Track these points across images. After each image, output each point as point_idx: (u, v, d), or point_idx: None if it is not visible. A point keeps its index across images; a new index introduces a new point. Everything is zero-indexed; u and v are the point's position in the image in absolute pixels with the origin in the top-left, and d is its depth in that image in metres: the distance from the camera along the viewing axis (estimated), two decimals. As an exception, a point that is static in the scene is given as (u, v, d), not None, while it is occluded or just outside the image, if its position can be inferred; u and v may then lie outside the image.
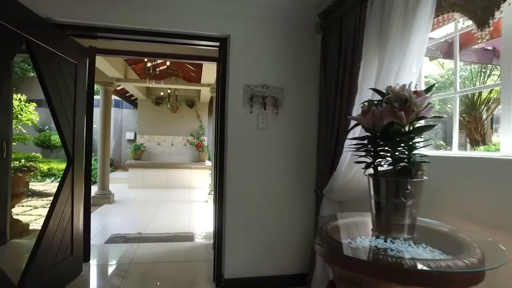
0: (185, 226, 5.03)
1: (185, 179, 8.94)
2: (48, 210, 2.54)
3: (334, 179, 2.38)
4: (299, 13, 2.83)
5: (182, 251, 3.80)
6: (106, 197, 6.55)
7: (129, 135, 12.43)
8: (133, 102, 11.48)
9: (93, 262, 3.33)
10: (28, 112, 5.12)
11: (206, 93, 8.48)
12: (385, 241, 1.26)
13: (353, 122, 1.40)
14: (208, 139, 10.15)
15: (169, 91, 8.48)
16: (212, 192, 7.20)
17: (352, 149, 1.43)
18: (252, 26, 2.75)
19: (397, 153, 1.24)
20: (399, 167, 1.22)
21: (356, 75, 2.17)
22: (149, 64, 5.70)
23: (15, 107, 4.74)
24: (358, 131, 1.99)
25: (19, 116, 4.90)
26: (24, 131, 6.13)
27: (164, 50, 3.67)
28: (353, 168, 2.11)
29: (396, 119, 1.15)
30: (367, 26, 2.12)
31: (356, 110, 2.14)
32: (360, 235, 1.36)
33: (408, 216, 1.22)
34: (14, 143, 5.87)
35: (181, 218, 5.53)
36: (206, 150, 9.73)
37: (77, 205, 2.89)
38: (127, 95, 10.48)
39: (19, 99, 4.99)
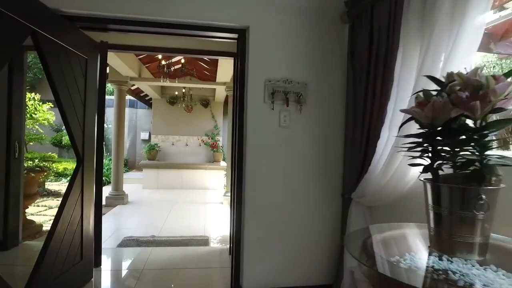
0: (200, 229, 4.86)
1: (199, 179, 8.79)
2: (56, 214, 2.39)
3: (365, 183, 2.14)
4: (323, 1, 2.60)
5: (197, 257, 3.62)
6: (120, 198, 6.45)
7: (144, 135, 12.39)
8: (147, 102, 11.44)
9: (104, 268, 3.17)
10: (42, 112, 5.03)
11: (221, 92, 8.31)
12: (440, 259, 1.03)
13: (405, 116, 1.16)
14: (223, 139, 9.99)
15: (183, 90, 8.35)
16: (228, 194, 7.02)
17: (403, 149, 1.19)
18: (273, 16, 2.53)
19: (462, 153, 1.00)
20: (468, 171, 0.98)
21: (392, 66, 1.93)
22: (163, 62, 5.55)
23: (29, 106, 4.65)
24: (395, 129, 1.76)
25: (34, 115, 4.81)
26: (41, 131, 6.08)
27: (179, 45, 3.49)
28: (389, 171, 1.87)
29: (468, 111, 0.91)
30: (406, 11, 1.88)
31: (393, 105, 1.90)
32: (408, 251, 1.13)
33: (480, 232, 0.98)
34: (31, 143, 5.83)
35: (196, 220, 5.36)
36: (221, 151, 9.56)
37: (87, 207, 2.74)
38: (142, 95, 10.43)
39: (33, 98, 4.91)
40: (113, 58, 5.46)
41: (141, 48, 3.46)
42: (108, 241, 4.09)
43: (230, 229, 3.63)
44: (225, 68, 5.88)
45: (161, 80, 5.87)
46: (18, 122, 3.68)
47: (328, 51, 2.60)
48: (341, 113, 2.60)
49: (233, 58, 3.63)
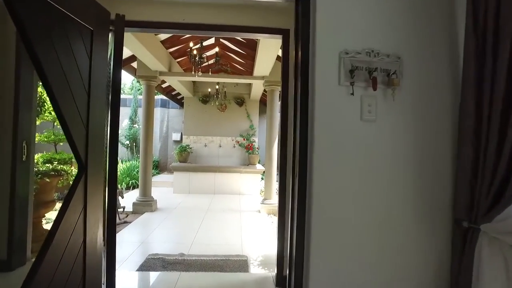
0: (236, 244, 4.12)
1: (234, 184, 8.10)
2: (45, 240, 1.72)
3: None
4: None
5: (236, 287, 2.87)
6: (148, 204, 5.88)
7: (176, 136, 11.94)
8: (179, 101, 10.96)
9: (118, 303, 2.50)
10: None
11: (258, 89, 7.57)
12: None
13: None
14: (259, 140, 9.25)
15: (217, 86, 7.69)
16: (267, 201, 6.31)
17: None
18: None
19: None
20: None
21: None
22: (195, 51, 4.89)
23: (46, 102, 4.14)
24: None
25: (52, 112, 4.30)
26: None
27: (213, 20, 2.76)
28: None
29: None
30: None
31: None
32: None
33: None
34: (61, 143, 5.38)
35: (231, 234, 4.63)
36: (257, 152, 8.83)
37: (92, 228, 2.07)
38: (174, 93, 9.95)
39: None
40: (140, 50, 4.89)
41: (166, 25, 2.76)
42: (131, 258, 3.47)
43: (278, 250, 2.86)
44: (265, 58, 5.14)
45: (193, 73, 5.20)
46: (27, 120, 3.13)
47: (435, 6, 1.74)
48: (453, 100, 1.72)
49: (281, 36, 2.87)
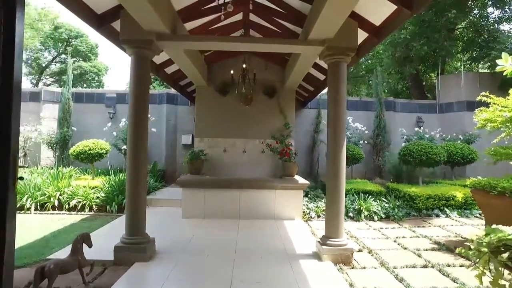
0: None
1: (267, 205, 5.74)
2: None
3: None
4: None
5: None
6: (140, 248, 3.56)
7: (185, 139, 9.64)
8: (190, 95, 8.68)
9: None
10: None
11: (303, 66, 5.19)
12: None
13: None
14: (295, 143, 6.87)
15: (244, 65, 5.34)
16: (332, 241, 3.85)
17: None
18: None
19: None
20: None
21: None
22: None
23: None
24: None
25: None
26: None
27: None
28: None
29: None
30: None
31: None
32: None
33: None
34: None
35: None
36: (294, 159, 6.46)
37: None
38: (182, 84, 7.66)
39: None
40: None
41: None
42: None
43: None
44: (337, 4, 2.87)
45: (221, 12, 2.87)
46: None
47: None
48: None
49: None
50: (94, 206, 6.09)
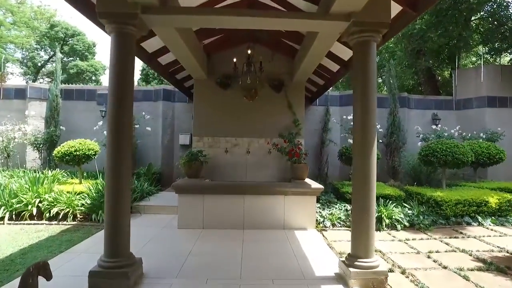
0: None
1: (275, 212, 5.01)
2: None
3: None
4: None
5: None
6: (121, 274, 2.83)
7: (183, 139, 8.92)
8: (188, 91, 7.96)
9: None
10: None
11: (320, 50, 4.45)
12: None
13: None
14: (305, 142, 6.13)
15: (248, 51, 4.60)
16: (360, 262, 3.00)
17: None
18: None
19: None
20: None
21: None
22: None
23: None
24: None
25: None
26: None
27: None
28: None
29: None
30: None
31: None
32: None
33: None
34: None
35: None
36: (304, 161, 5.72)
37: None
38: (179, 77, 6.94)
39: None
40: None
41: None
42: None
43: None
44: None
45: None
46: None
47: None
48: None
49: None
50: (78, 215, 5.37)
